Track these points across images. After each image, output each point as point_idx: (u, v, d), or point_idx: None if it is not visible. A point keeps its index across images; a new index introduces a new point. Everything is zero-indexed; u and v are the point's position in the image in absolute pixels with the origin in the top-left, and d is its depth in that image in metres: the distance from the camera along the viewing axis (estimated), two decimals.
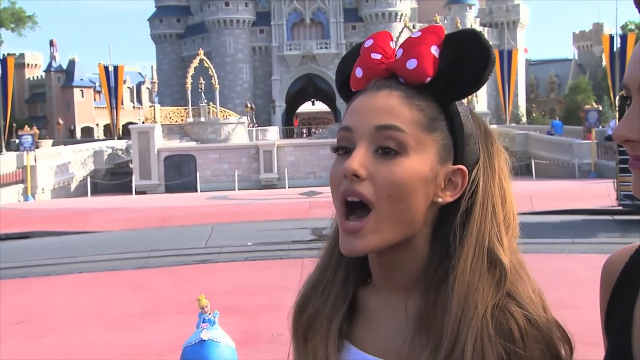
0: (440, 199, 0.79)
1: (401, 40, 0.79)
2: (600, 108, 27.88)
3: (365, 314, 0.85)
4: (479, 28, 51.85)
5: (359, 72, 0.81)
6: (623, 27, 51.22)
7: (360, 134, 0.78)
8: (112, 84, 39.11)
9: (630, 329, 0.75)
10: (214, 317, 1.53)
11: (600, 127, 25.93)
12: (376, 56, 0.80)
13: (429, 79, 0.78)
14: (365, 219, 0.77)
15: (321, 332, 0.84)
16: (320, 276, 0.88)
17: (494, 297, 0.76)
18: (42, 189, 24.26)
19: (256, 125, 36.75)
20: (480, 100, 37.53)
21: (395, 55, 0.80)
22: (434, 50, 0.78)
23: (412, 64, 0.78)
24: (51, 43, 69.11)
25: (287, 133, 44.50)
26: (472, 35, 0.79)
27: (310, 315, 0.87)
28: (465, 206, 0.80)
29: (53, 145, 35.87)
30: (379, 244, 0.78)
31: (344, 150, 0.79)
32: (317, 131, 46.85)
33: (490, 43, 0.80)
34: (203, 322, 1.54)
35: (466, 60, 0.77)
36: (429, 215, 0.80)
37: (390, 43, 0.81)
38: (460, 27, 35.06)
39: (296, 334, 0.89)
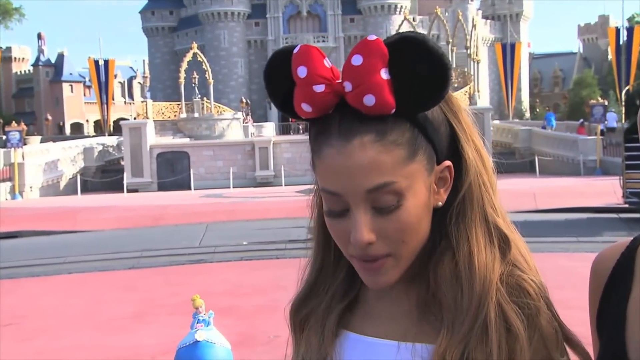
0: (440, 203, 0.82)
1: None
2: (606, 103, 27.93)
3: (364, 307, 0.87)
4: (481, 21, 51.94)
5: (306, 108, 0.78)
6: (629, 20, 51.34)
7: (352, 198, 0.77)
8: (103, 78, 39.07)
9: (624, 327, 0.76)
10: (209, 317, 1.53)
11: (605, 122, 25.96)
12: (319, 88, 0.76)
13: (393, 110, 0.76)
14: (383, 260, 0.79)
15: (317, 322, 0.87)
16: (317, 277, 0.90)
17: (502, 266, 0.80)
18: (30, 187, 24.24)
19: (252, 121, 36.73)
20: (482, 95, 37.53)
21: (342, 84, 0.76)
22: (384, 74, 0.75)
23: (369, 100, 0.75)
24: (39, 36, 68.95)
25: (283, 129, 44.49)
26: (416, 44, 0.75)
27: (306, 313, 0.89)
28: (464, 190, 0.83)
29: (41, 141, 35.78)
30: (402, 272, 0.81)
31: (338, 214, 0.79)
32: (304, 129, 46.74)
33: (442, 48, 0.77)
34: (197, 323, 1.54)
35: (421, 73, 0.75)
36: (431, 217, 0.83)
37: (324, 62, 0.77)
38: (462, 20, 35.06)
39: (293, 328, 0.92)
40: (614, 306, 0.78)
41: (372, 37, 0.76)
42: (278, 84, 0.81)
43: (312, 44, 0.79)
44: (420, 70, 0.75)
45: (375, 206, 0.77)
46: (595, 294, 0.82)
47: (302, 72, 0.77)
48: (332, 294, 0.87)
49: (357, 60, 0.75)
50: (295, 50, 0.78)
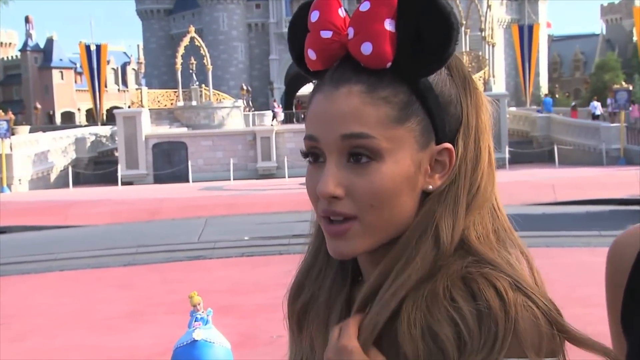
0: (430, 186, 0.79)
1: None
2: (631, 88, 27.80)
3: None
4: (496, 1, 51.53)
5: (312, 55, 0.79)
6: None
7: (327, 145, 0.77)
8: (95, 64, 39.09)
9: None
10: (208, 315, 1.53)
11: (630, 109, 25.91)
12: (326, 34, 0.77)
13: (389, 63, 0.75)
14: (350, 223, 0.78)
15: (318, 319, 0.86)
16: (313, 260, 0.89)
17: (423, 271, 0.76)
18: (19, 180, 24.33)
19: (253, 109, 36.73)
20: (498, 81, 37.33)
21: (347, 34, 0.77)
22: (389, 25, 0.75)
23: (367, 48, 0.75)
24: (27, 20, 69.02)
25: (286, 118, 44.49)
26: (427, 0, 0.75)
27: (304, 301, 0.88)
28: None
29: (30, 131, 35.94)
30: (368, 247, 0.79)
31: (314, 157, 0.80)
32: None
33: (453, 8, 0.76)
34: (195, 321, 1.54)
35: (424, 30, 0.75)
36: (419, 203, 0.80)
37: (339, 11, 0.78)
38: (476, 1, 34.84)
39: (290, 321, 0.90)
40: None
41: None
42: (297, 36, 0.83)
43: None
44: (424, 26, 0.75)
45: (350, 160, 0.76)
46: (616, 287, 0.79)
47: (314, 16, 0.79)
48: (329, 285, 0.86)
49: (364, 6, 0.76)
50: None
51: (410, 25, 0.75)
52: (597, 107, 30.62)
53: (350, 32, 0.76)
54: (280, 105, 34.68)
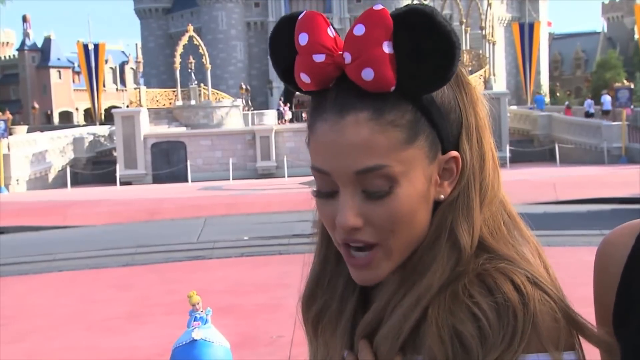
0: (442, 195, 0.80)
1: None
2: (632, 86, 27.80)
3: None
4: None
5: (305, 78, 0.77)
6: None
7: (340, 179, 0.77)
8: (93, 64, 39.07)
9: None
10: (207, 314, 1.53)
11: (632, 106, 25.93)
12: (319, 58, 0.75)
13: (392, 87, 0.74)
14: (372, 252, 0.78)
15: (331, 326, 0.86)
16: (322, 269, 0.89)
17: (445, 277, 0.77)
18: (17, 180, 24.33)
19: (252, 108, 36.71)
20: (499, 79, 37.38)
21: (342, 55, 0.75)
22: (387, 47, 0.73)
23: (368, 74, 0.73)
24: (24, 19, 68.97)
25: (278, 117, 44.53)
26: (423, 18, 0.73)
27: (317, 309, 0.88)
28: None
29: (28, 131, 35.91)
30: (393, 267, 0.80)
31: (325, 196, 0.79)
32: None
33: (452, 25, 0.75)
34: (194, 321, 1.54)
35: (426, 50, 0.73)
36: (431, 213, 0.81)
37: (328, 31, 0.76)
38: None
39: (306, 327, 0.91)
40: (638, 300, 0.74)
41: (378, 7, 0.75)
42: (281, 52, 0.81)
43: None
44: (425, 46, 0.74)
45: (365, 190, 0.76)
46: (607, 287, 0.78)
47: (303, 39, 0.76)
48: (342, 288, 0.86)
49: (359, 30, 0.74)
50: (300, 17, 0.78)
51: (409, 46, 0.74)
52: (591, 105, 31.03)
53: (347, 57, 0.74)
54: (288, 104, 34.59)
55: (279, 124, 31.54)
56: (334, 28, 0.77)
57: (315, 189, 0.80)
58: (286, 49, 0.79)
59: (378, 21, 0.73)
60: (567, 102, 34.53)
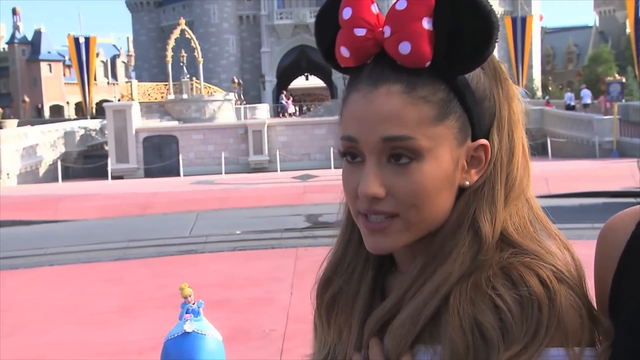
0: (467, 182, 0.80)
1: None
2: (624, 80, 27.99)
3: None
4: None
5: (345, 52, 0.79)
6: None
7: (367, 146, 0.78)
8: (84, 57, 38.86)
9: None
10: (199, 307, 1.53)
11: (624, 100, 26.10)
12: (360, 32, 0.77)
13: (428, 63, 0.76)
14: (391, 220, 0.78)
15: (346, 309, 0.86)
16: (343, 252, 0.89)
17: (465, 266, 0.77)
18: (7, 174, 24.21)
19: (244, 102, 36.66)
20: None
21: (383, 31, 0.77)
22: (426, 23, 0.75)
23: (405, 47, 0.75)
24: (14, 11, 68.50)
25: (275, 111, 44.44)
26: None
27: (334, 292, 0.88)
28: None
29: (18, 125, 35.72)
30: (407, 242, 0.80)
31: (352, 156, 0.80)
32: (307, 109, 46.74)
33: (492, 6, 0.77)
34: (186, 313, 1.55)
35: (465, 29, 0.75)
36: (455, 199, 0.81)
37: (372, 7, 0.78)
38: None
39: (319, 311, 0.90)
40: (634, 286, 0.74)
41: None
42: (326, 30, 0.82)
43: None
44: (463, 25, 0.75)
45: (390, 160, 0.77)
46: (606, 272, 0.78)
47: (346, 13, 0.78)
48: (359, 271, 0.87)
49: (401, 4, 0.76)
50: None
51: (449, 24, 0.75)
52: (572, 97, 32.01)
53: (387, 30, 0.76)
54: (291, 98, 34.53)
55: (280, 117, 31.49)
56: (377, 6, 0.79)
57: (343, 156, 0.81)
58: (331, 27, 0.81)
59: None
60: (547, 96, 35.38)
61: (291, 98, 33.99)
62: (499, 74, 0.83)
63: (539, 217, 0.84)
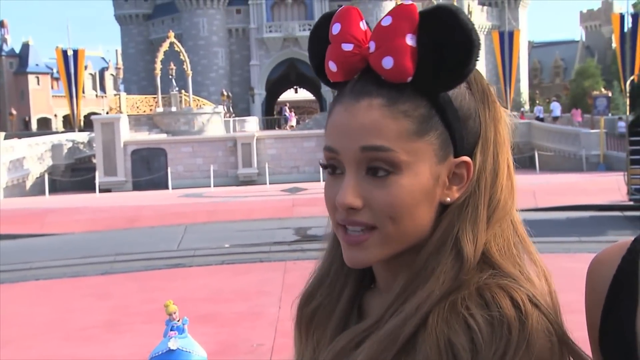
0: (448, 198, 0.80)
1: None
2: (610, 94, 28.31)
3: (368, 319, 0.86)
4: (477, 7, 52.11)
5: (332, 67, 0.81)
6: (635, 6, 51.76)
7: (346, 157, 0.78)
8: (72, 70, 38.72)
9: (636, 347, 0.71)
10: (183, 324, 1.52)
11: (610, 114, 26.39)
12: (347, 47, 0.79)
13: (409, 78, 0.77)
14: (368, 233, 0.79)
15: (323, 323, 0.87)
16: (328, 268, 0.90)
17: (448, 285, 0.77)
18: None
19: (233, 115, 36.66)
20: None
21: (369, 46, 0.78)
22: (410, 40, 0.76)
23: (388, 62, 0.76)
24: (1, 24, 68.26)
25: (267, 124, 44.45)
26: (448, 14, 0.76)
27: (314, 307, 0.89)
28: None
29: (5, 138, 35.45)
30: (384, 256, 0.80)
31: (332, 168, 0.81)
32: (293, 123, 46.77)
33: (474, 25, 0.78)
34: (171, 330, 1.53)
35: (446, 46, 0.76)
36: (436, 215, 0.81)
37: (361, 24, 0.80)
38: (457, 5, 35.23)
39: (299, 325, 0.92)
40: (619, 321, 0.73)
41: (408, 2, 0.79)
42: (317, 46, 0.85)
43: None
44: (444, 42, 0.76)
45: (368, 172, 0.78)
46: (595, 307, 0.77)
47: (335, 29, 0.81)
48: (339, 289, 0.87)
49: (386, 21, 0.78)
50: (337, 11, 0.83)
51: (431, 41, 0.76)
52: (540, 110, 34.47)
53: (372, 45, 0.78)
54: (292, 110, 34.69)
55: (283, 129, 31.55)
56: (367, 23, 0.81)
57: (325, 169, 0.82)
58: (323, 43, 0.83)
59: (405, 14, 0.77)
60: (522, 109, 37.18)
61: (294, 110, 34.19)
62: (487, 96, 0.83)
63: (523, 241, 0.83)
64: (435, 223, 0.80)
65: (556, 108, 31.51)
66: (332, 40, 0.81)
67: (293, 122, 33.70)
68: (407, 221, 0.78)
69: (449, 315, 0.75)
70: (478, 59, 0.78)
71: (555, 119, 30.12)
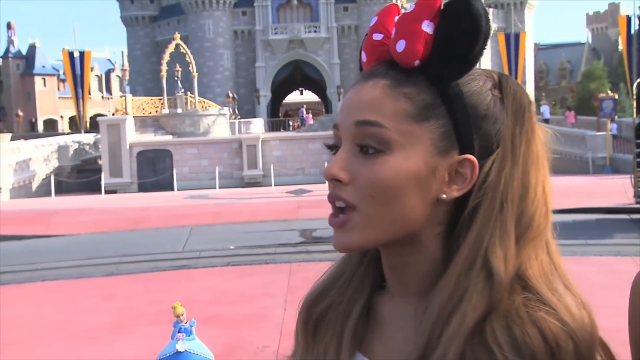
0: (444, 195, 0.77)
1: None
2: (616, 96, 28.21)
3: (380, 323, 0.85)
4: None
5: (364, 56, 0.83)
6: None
7: (344, 132, 0.79)
8: (78, 71, 38.88)
9: None
10: (191, 326, 1.52)
11: (617, 117, 26.29)
12: (377, 37, 0.81)
13: (417, 61, 0.77)
14: (351, 214, 0.78)
15: (334, 327, 0.85)
16: (343, 266, 0.89)
17: (481, 308, 0.73)
18: (0, 189, 24.10)
19: (239, 117, 36.72)
20: None
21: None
22: (427, 26, 0.76)
23: (400, 45, 0.77)
24: (9, 26, 68.60)
25: (273, 125, 44.45)
26: (461, 2, 0.76)
27: (324, 307, 0.87)
28: (474, 202, 0.77)
29: (12, 139, 35.65)
30: (366, 241, 0.78)
31: (335, 149, 0.81)
32: (298, 124, 46.79)
33: (488, 14, 0.77)
34: (179, 332, 1.53)
35: (456, 34, 0.76)
36: (436, 213, 0.78)
37: (396, 18, 0.81)
38: None
39: (306, 326, 0.88)
40: None
41: None
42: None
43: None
44: (455, 29, 0.76)
45: (361, 150, 0.78)
46: (638, 326, 0.75)
47: (372, 21, 0.84)
48: (352, 290, 0.86)
49: (410, 8, 0.80)
50: None
51: (446, 29, 0.77)
52: (547, 110, 34.85)
53: (393, 32, 0.80)
54: (310, 112, 34.86)
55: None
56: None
57: (331, 150, 0.84)
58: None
59: (427, 2, 0.78)
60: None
61: (311, 112, 34.48)
62: (523, 111, 0.80)
63: (558, 267, 0.79)
64: (441, 227, 0.78)
65: (546, 111, 31.81)
66: (368, 32, 0.83)
67: (311, 122, 34.13)
68: (389, 205, 0.76)
69: (477, 342, 0.72)
70: (485, 46, 0.77)
71: (546, 121, 30.55)
